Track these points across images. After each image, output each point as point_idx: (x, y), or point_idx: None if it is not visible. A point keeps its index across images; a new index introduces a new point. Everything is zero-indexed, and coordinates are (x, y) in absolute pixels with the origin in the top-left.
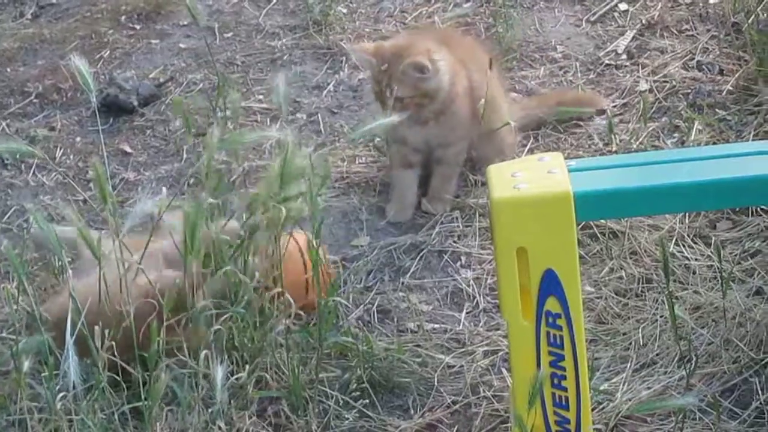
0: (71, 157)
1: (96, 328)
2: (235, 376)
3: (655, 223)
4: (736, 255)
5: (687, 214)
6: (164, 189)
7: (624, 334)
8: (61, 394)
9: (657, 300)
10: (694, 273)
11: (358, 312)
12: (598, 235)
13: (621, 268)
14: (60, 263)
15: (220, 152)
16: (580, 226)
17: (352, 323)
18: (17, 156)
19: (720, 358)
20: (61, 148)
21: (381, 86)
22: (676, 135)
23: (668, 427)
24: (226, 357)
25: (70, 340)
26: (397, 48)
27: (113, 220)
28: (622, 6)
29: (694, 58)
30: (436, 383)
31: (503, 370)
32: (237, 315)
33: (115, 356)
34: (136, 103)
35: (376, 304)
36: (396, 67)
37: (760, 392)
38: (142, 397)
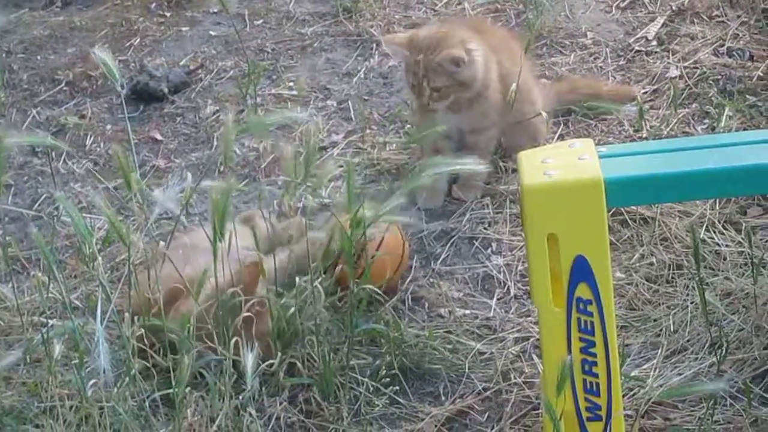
0: (102, 144)
1: (126, 315)
2: (266, 363)
3: (686, 209)
4: (766, 241)
5: (717, 200)
6: (189, 175)
7: (655, 320)
8: (91, 381)
9: (688, 286)
10: (724, 259)
11: (390, 299)
12: (629, 221)
13: (652, 255)
14: (90, 251)
15: (249, 138)
16: (610, 213)
17: (384, 310)
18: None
19: (751, 344)
20: (91, 136)
21: (417, 77)
22: (706, 121)
23: (699, 413)
24: (256, 344)
25: (100, 327)
26: (431, 39)
27: (139, 207)
28: None
29: (724, 44)
30: (467, 370)
31: (534, 356)
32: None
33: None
34: (166, 91)
35: (408, 291)
36: (431, 59)
37: None
38: (173, 383)
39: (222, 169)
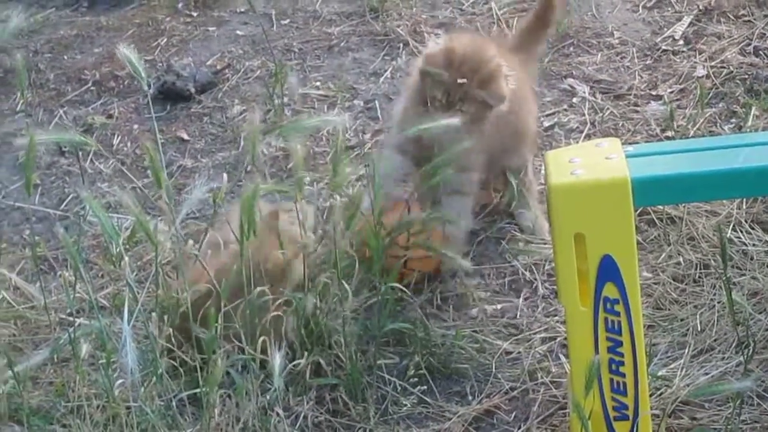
0: (128, 144)
1: (153, 314)
2: (293, 363)
3: (713, 208)
4: None
5: (744, 199)
6: (225, 175)
7: (682, 319)
8: (119, 381)
9: (715, 285)
10: (751, 258)
11: (419, 299)
12: (656, 220)
13: (679, 254)
14: (117, 250)
15: (277, 137)
16: (637, 212)
17: (411, 309)
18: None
19: None
20: (118, 136)
21: (450, 96)
22: (733, 120)
23: (726, 413)
24: (284, 343)
25: (127, 326)
26: (470, 58)
27: (168, 206)
28: None
29: (751, 44)
30: (494, 369)
31: (561, 356)
32: (297, 301)
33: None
34: (193, 90)
35: (435, 291)
36: (474, 88)
37: None
38: (200, 383)
39: (249, 168)
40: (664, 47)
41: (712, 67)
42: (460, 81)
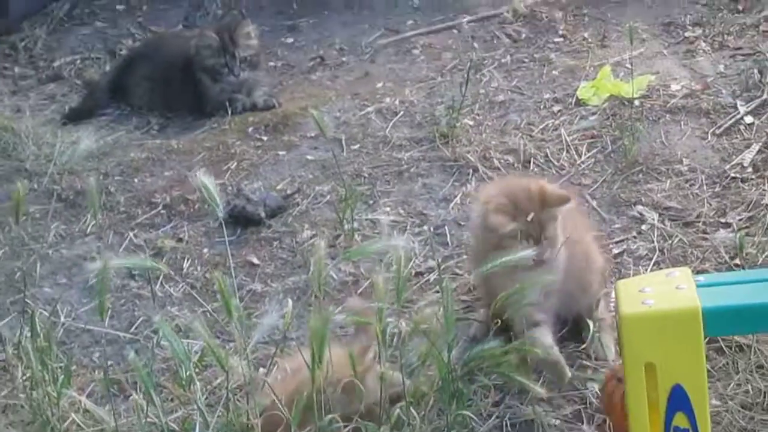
0: (198, 268)
1: None
2: None
3: None
4: None
5: None
6: (290, 301)
7: None
8: None
9: None
10: None
11: (488, 424)
12: (724, 348)
13: (747, 382)
14: (187, 374)
15: (346, 263)
16: (706, 340)
17: None
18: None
19: None
20: (188, 260)
21: (534, 233)
22: None
23: None
24: None
25: None
26: (526, 197)
27: (239, 332)
28: (748, 119)
29: None
30: None
31: None
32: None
33: None
34: (263, 215)
35: (504, 417)
36: (543, 212)
37: None
38: None
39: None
40: (732, 174)
41: None
42: (529, 218)
